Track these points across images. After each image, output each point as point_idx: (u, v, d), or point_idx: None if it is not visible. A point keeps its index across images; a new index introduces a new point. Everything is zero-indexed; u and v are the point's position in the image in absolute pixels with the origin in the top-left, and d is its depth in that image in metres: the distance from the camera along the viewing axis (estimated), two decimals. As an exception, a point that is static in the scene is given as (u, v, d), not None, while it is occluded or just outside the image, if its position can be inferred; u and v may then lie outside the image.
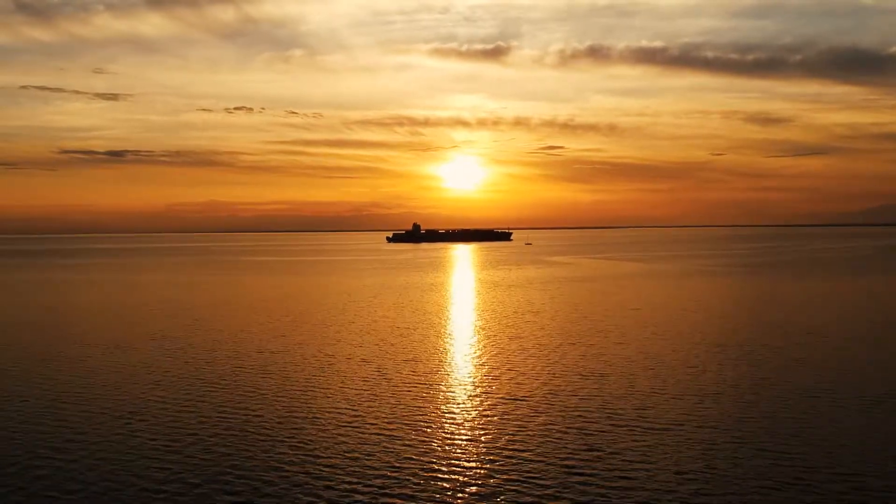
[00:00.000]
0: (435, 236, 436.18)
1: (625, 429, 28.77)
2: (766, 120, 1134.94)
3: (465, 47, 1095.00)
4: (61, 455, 26.95)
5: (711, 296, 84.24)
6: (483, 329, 58.56)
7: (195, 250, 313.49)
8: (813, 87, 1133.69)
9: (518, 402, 33.44)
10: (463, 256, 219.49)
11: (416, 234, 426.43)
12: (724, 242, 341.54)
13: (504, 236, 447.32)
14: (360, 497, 22.48)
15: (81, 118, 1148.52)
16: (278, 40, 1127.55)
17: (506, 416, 31.06)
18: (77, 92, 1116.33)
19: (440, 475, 24.38)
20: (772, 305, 72.37)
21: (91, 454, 26.99)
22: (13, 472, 25.19)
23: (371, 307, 75.18)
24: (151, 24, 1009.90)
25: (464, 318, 67.49)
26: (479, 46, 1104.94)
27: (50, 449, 27.71)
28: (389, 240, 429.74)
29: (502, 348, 48.65)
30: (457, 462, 25.72)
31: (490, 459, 25.86)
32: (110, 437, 29.13)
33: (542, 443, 27.36)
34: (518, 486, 23.37)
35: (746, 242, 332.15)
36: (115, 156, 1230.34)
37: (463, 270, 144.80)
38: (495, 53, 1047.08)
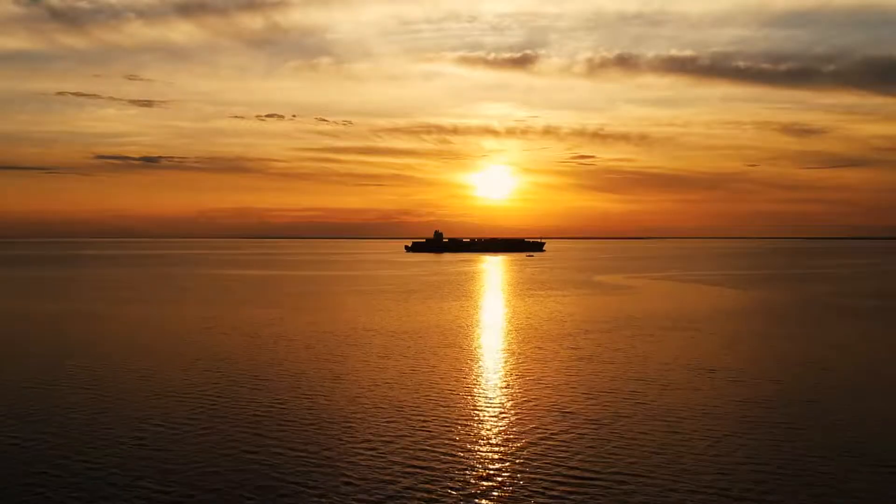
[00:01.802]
0: (458, 246, 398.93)
1: None
2: (801, 131, 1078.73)
3: (492, 56, 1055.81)
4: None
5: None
6: None
7: (175, 259, 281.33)
8: (848, 98, 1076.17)
9: None
10: (487, 272, 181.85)
11: (437, 243, 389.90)
12: (786, 257, 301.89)
13: (536, 247, 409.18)
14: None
15: (116, 124, 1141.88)
16: (306, 48, 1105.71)
17: None
18: (112, 98, 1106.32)
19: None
20: None
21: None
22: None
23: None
24: (181, 31, 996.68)
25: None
26: (507, 55, 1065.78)
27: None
28: (408, 249, 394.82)
29: None
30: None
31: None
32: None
33: None
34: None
35: (816, 258, 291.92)
36: (150, 162, 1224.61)
37: (485, 298, 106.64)
38: (523, 62, 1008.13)
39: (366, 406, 36.74)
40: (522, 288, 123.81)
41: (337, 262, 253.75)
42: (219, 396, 39.04)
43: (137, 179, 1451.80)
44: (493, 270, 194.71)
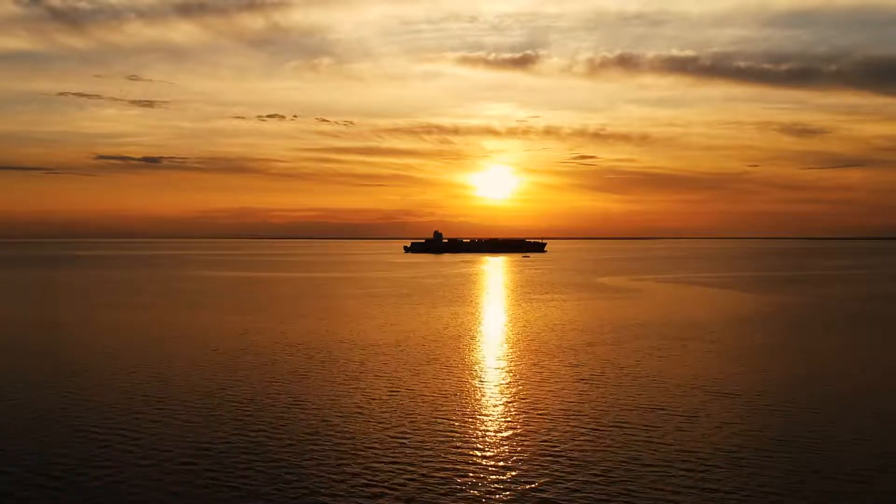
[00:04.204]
0: (458, 246, 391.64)
1: None
2: (802, 131, 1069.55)
3: (493, 56, 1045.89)
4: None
5: None
6: None
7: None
8: (849, 98, 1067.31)
9: None
10: (486, 274, 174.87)
11: (436, 244, 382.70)
12: (792, 257, 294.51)
13: (537, 248, 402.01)
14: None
15: (117, 124, 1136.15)
16: (306, 48, 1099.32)
17: None
18: (113, 99, 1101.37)
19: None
20: None
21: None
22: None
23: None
24: (182, 31, 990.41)
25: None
26: (508, 55, 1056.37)
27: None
28: (407, 249, 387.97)
29: None
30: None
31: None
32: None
33: None
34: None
35: (827, 258, 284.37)
36: (151, 162, 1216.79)
37: (480, 304, 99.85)
38: (524, 62, 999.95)
39: (323, 442, 29.95)
40: (521, 291, 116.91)
41: (333, 264, 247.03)
42: (141, 431, 32.19)
43: (138, 180, 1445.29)
44: (492, 272, 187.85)
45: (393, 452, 28.96)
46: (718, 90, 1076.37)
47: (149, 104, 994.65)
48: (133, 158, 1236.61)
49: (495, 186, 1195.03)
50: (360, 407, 36.69)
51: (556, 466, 27.29)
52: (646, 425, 33.06)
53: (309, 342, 59.06)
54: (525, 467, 27.21)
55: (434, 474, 26.41)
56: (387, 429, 32.50)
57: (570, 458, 28.22)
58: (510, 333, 65.31)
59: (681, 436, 31.29)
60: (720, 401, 37.99)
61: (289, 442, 30.46)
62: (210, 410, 36.01)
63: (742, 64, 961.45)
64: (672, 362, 49.65)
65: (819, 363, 49.93)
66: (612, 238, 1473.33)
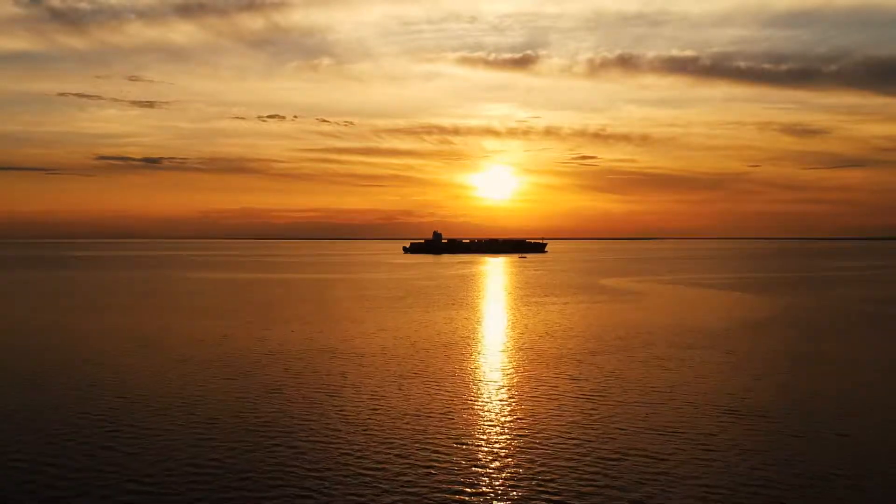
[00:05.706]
0: (458, 247, 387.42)
1: None
2: (803, 131, 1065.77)
3: (493, 56, 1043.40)
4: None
5: None
6: None
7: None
8: (850, 99, 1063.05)
9: None
10: (485, 275, 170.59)
11: (436, 245, 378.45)
12: (794, 258, 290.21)
13: (538, 248, 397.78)
14: None
15: (118, 125, 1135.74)
16: (306, 49, 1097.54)
17: None
18: (114, 99, 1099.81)
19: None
20: None
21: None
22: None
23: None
24: (182, 32, 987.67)
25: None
26: (508, 55, 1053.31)
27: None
28: (406, 250, 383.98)
29: None
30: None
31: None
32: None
33: None
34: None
35: (828, 259, 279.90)
36: (151, 162, 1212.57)
37: (476, 307, 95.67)
38: (524, 62, 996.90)
39: (288, 473, 25.81)
40: (520, 294, 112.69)
41: (330, 264, 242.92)
42: (80, 454, 28.04)
43: (139, 180, 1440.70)
44: (492, 273, 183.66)
45: (367, 482, 24.81)
46: (718, 90, 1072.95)
47: (149, 105, 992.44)
48: (133, 159, 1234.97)
49: (495, 187, 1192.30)
50: (335, 429, 32.52)
51: (552, 499, 23.18)
52: (656, 452, 28.87)
53: (288, 350, 54.87)
54: (517, 499, 23.09)
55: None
56: (363, 454, 28.37)
57: (569, 491, 24.07)
58: (507, 341, 61.18)
59: (696, 465, 27.14)
60: (740, 421, 33.82)
61: (246, 470, 26.33)
62: (167, 433, 31.85)
63: (742, 64, 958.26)
64: (683, 375, 45.46)
65: (840, 375, 45.72)
66: (613, 238, 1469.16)
